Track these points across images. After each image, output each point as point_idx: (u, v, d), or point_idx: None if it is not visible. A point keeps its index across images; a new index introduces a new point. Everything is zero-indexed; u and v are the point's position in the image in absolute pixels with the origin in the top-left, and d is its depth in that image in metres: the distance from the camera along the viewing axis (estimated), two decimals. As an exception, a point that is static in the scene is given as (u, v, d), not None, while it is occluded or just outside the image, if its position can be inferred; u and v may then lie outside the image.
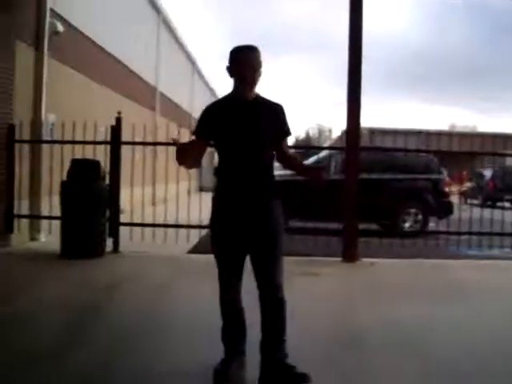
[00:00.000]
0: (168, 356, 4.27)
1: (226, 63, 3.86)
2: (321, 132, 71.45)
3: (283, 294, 3.81)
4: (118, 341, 4.66)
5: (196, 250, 9.59)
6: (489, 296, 6.66)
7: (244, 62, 3.77)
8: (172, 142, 3.74)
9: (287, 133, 4.02)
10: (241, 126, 3.78)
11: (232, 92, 3.91)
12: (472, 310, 5.89)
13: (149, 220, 9.39)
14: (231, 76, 3.85)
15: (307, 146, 37.82)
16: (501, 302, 6.35)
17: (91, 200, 8.09)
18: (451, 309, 5.89)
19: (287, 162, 4.08)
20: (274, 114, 3.92)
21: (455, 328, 5.25)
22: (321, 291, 6.62)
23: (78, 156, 8.80)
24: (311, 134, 72.37)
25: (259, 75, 3.83)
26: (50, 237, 9.43)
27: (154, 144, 10.85)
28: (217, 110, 3.88)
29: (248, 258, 3.88)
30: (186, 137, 10.04)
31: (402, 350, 4.59)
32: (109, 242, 8.65)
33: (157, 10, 20.03)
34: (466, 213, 10.19)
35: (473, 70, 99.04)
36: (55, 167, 9.03)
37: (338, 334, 5.01)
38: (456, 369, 4.18)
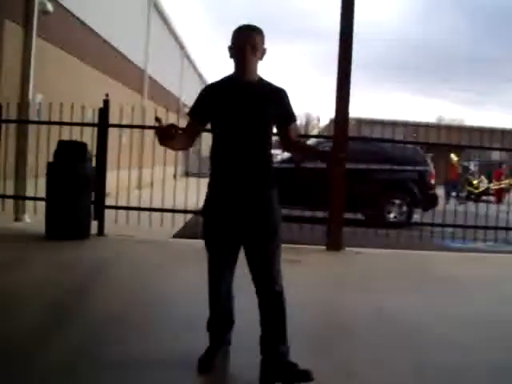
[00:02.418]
0: (151, 343, 4.25)
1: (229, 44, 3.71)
2: (308, 120, 71.42)
3: (281, 288, 3.62)
4: (100, 325, 4.63)
5: (181, 234, 9.60)
6: (472, 287, 6.73)
7: (238, 41, 3.61)
8: (155, 120, 3.45)
9: (292, 118, 3.82)
10: (238, 107, 3.60)
11: (232, 73, 3.73)
12: (456, 301, 5.95)
13: (134, 203, 9.37)
14: (230, 57, 3.69)
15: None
16: (484, 293, 6.42)
17: (77, 182, 8.05)
18: (436, 298, 5.96)
19: (294, 149, 3.96)
20: (277, 98, 3.73)
21: (441, 317, 5.30)
22: (304, 279, 6.63)
23: (65, 137, 8.75)
24: (299, 122, 72.51)
25: (256, 55, 3.62)
26: (34, 218, 9.38)
27: (142, 127, 10.81)
28: (215, 91, 3.71)
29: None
30: (173, 120, 10.01)
31: (389, 339, 4.64)
32: (93, 225, 8.61)
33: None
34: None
35: (462, 63, 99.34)
36: (41, 148, 8.98)
37: (323, 322, 5.05)
38: (441, 358, 4.22)
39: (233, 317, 3.95)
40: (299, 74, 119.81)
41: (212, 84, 3.80)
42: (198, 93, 3.76)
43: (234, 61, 3.67)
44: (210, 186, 3.75)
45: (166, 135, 3.34)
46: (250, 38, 3.60)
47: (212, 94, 3.69)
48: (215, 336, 3.87)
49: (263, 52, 3.69)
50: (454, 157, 22.04)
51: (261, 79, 3.73)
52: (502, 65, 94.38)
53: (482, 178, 25.21)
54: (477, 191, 23.53)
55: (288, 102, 3.77)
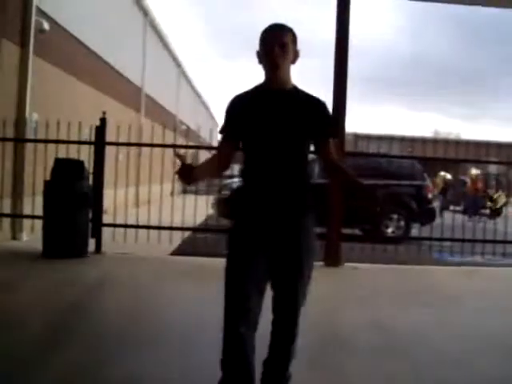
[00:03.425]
0: (150, 362, 4.21)
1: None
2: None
3: (298, 328, 3.32)
4: (99, 344, 4.60)
5: (178, 251, 9.60)
6: (471, 300, 6.70)
7: (265, 43, 3.15)
8: (176, 156, 3.16)
9: (330, 134, 3.32)
10: (269, 122, 3.13)
11: (262, 82, 3.25)
12: (455, 315, 5.94)
13: (132, 221, 9.36)
14: (259, 62, 3.23)
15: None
16: (483, 307, 6.38)
17: (74, 200, 8.03)
18: (435, 313, 5.94)
19: (330, 171, 3.39)
20: (313, 109, 3.22)
21: (440, 331, 5.29)
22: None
23: (62, 156, 8.75)
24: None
25: (286, 59, 3.15)
26: (32, 236, 9.36)
27: (139, 145, 10.85)
28: (242, 103, 3.23)
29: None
30: (170, 138, 10.02)
31: (388, 354, 4.61)
32: (91, 243, 8.59)
33: (144, 11, 20.02)
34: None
35: (457, 77, 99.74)
36: (38, 166, 8.97)
37: (324, 338, 5.01)
38: (442, 373, 4.20)
39: (254, 378, 3.18)
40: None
41: (239, 95, 3.29)
42: (226, 107, 3.30)
43: (263, 67, 3.22)
44: (239, 210, 3.29)
45: (185, 175, 3.09)
46: (279, 38, 3.14)
47: (240, 107, 3.23)
48: None
49: (296, 55, 3.22)
50: (474, 171, 21.66)
51: (295, 88, 3.26)
52: (497, 78, 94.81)
53: (501, 193, 24.43)
54: (495, 207, 23.04)
55: (326, 115, 3.28)
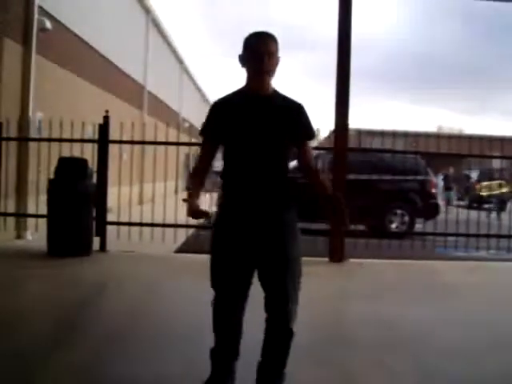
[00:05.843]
0: (155, 360, 4.20)
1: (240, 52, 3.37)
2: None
3: (293, 324, 3.39)
4: (103, 342, 4.59)
5: (183, 249, 9.60)
6: (476, 296, 6.69)
7: (254, 49, 3.24)
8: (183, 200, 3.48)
9: (307, 136, 3.46)
10: (250, 123, 3.28)
11: (244, 85, 3.38)
12: (460, 310, 5.92)
13: (136, 219, 9.36)
14: (242, 66, 3.34)
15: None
16: (488, 303, 6.37)
17: (78, 198, 8.03)
18: (440, 309, 5.93)
19: (308, 176, 3.50)
20: (293, 113, 3.38)
21: (444, 327, 5.27)
22: (309, 291, 6.59)
23: (66, 154, 8.75)
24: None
25: (273, 66, 3.29)
26: (36, 235, 9.37)
27: (142, 143, 10.85)
28: (225, 107, 3.36)
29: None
30: (173, 136, 10.04)
31: (391, 349, 4.60)
32: (95, 241, 8.59)
33: (146, 9, 20.01)
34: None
35: (460, 71, 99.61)
36: (42, 165, 8.98)
37: (329, 333, 5.01)
38: (445, 368, 4.19)
39: (239, 350, 3.50)
40: (299, 86, 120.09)
41: (222, 99, 3.43)
42: (208, 110, 3.44)
43: (248, 72, 3.33)
44: (221, 208, 3.48)
45: (197, 215, 3.36)
46: (268, 47, 3.26)
47: (223, 110, 3.36)
48: (219, 365, 3.46)
49: (278, 61, 3.35)
50: None
51: (275, 92, 3.40)
52: (500, 72, 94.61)
53: None
54: None
55: (304, 118, 3.43)
